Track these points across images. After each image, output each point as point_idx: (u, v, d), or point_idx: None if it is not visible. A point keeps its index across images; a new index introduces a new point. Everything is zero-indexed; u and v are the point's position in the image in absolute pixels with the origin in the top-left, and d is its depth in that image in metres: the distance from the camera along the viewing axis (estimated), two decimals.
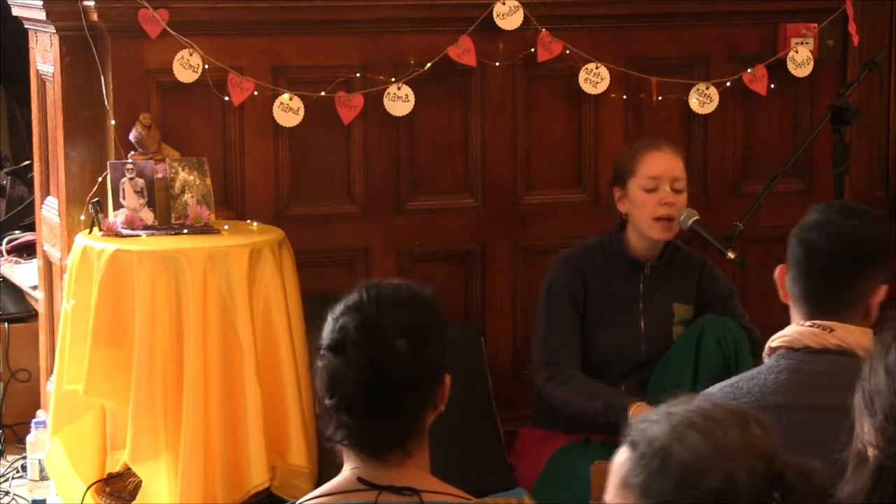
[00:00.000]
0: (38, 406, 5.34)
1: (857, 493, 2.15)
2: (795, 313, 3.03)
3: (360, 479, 2.35)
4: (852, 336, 2.97)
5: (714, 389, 2.97)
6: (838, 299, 3.00)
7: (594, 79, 5.07)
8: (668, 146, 4.44)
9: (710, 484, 1.75)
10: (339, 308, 2.42)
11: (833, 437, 2.83)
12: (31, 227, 5.96)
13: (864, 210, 3.12)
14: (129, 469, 4.40)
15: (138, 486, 4.39)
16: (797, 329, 2.99)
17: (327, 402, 2.38)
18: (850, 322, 2.98)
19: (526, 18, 4.99)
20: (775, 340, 3.00)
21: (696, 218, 4.53)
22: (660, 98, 5.14)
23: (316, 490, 2.41)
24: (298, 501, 2.41)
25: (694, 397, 1.89)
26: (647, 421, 1.83)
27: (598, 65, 5.07)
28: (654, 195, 4.34)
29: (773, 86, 5.26)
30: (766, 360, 3.03)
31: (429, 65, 4.93)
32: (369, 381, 2.35)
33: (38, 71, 5.15)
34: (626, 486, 1.81)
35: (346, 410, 2.36)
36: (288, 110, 4.83)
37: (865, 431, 2.17)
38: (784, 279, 3.03)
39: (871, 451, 2.15)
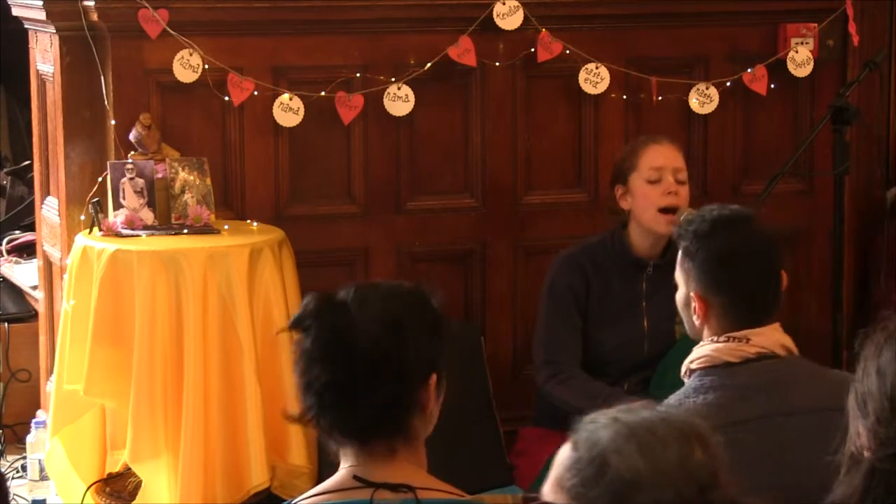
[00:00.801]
0: (38, 406, 5.34)
1: (851, 495, 2.15)
2: (708, 331, 3.01)
3: (355, 477, 2.36)
4: (768, 339, 2.97)
5: None
6: (768, 303, 3.02)
7: (594, 79, 5.08)
8: (667, 140, 4.45)
9: (639, 500, 1.73)
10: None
11: (769, 445, 2.83)
12: (31, 227, 5.96)
13: (738, 211, 3.11)
14: (129, 469, 4.40)
15: (138, 486, 4.39)
16: (712, 347, 2.98)
17: (299, 382, 2.39)
18: (773, 322, 2.99)
19: (526, 18, 4.99)
20: (694, 362, 2.99)
21: None
22: (660, 98, 5.14)
23: (312, 489, 2.41)
24: (295, 500, 2.41)
25: (655, 405, 1.88)
26: (595, 423, 1.82)
27: (598, 65, 5.07)
28: (657, 186, 4.34)
29: (773, 86, 5.27)
30: (684, 379, 3.02)
31: (429, 65, 4.93)
32: (330, 357, 2.35)
33: (38, 71, 5.15)
34: (560, 486, 1.81)
35: (314, 391, 2.37)
36: (288, 110, 4.83)
37: (858, 434, 2.17)
38: (703, 309, 3.01)
39: (866, 454, 2.15)
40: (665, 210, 4.35)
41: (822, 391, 2.93)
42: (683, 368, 3.04)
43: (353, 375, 2.35)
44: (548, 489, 1.83)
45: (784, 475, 2.84)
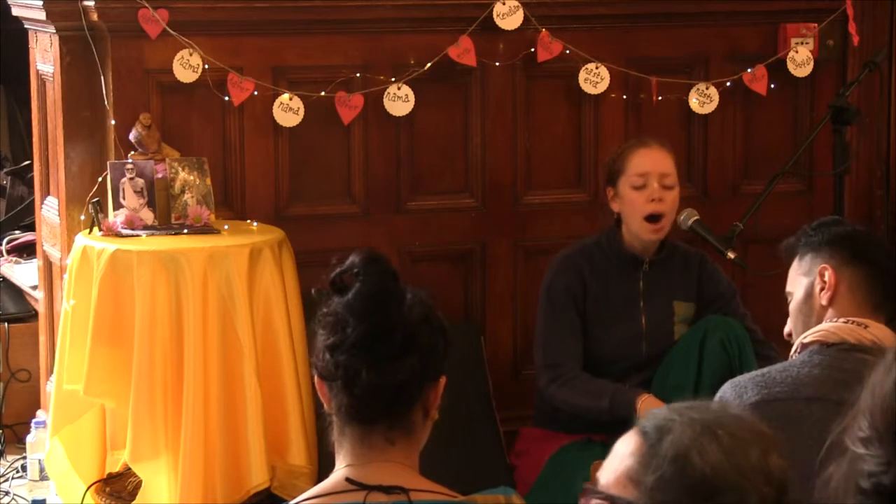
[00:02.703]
0: (38, 406, 5.34)
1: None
2: (833, 311, 3.05)
3: (348, 480, 2.36)
4: (886, 335, 3.01)
5: (745, 378, 2.98)
6: (891, 300, 3.07)
7: (594, 79, 5.08)
8: (656, 143, 4.44)
9: (722, 500, 1.73)
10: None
11: None
12: (31, 227, 5.96)
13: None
14: (129, 469, 4.40)
15: (138, 486, 4.39)
16: (833, 325, 3.01)
17: (328, 341, 2.35)
18: (883, 321, 3.03)
19: (526, 18, 4.99)
20: (808, 336, 3.02)
21: (696, 218, 4.53)
22: (660, 98, 5.14)
23: (306, 492, 2.41)
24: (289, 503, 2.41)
25: (716, 402, 1.86)
26: (666, 419, 1.80)
27: (598, 65, 5.07)
28: (642, 192, 4.34)
29: (773, 86, 5.26)
30: (795, 356, 3.04)
31: (429, 65, 4.93)
32: (372, 310, 2.34)
33: (38, 71, 5.15)
34: (631, 480, 1.79)
35: (342, 349, 2.35)
36: (288, 110, 4.83)
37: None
38: (834, 279, 3.05)
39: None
40: (649, 218, 4.34)
41: None
42: (794, 347, 3.05)
43: (390, 334, 2.33)
44: (612, 481, 1.81)
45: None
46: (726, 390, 2.96)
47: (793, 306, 3.14)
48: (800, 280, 3.12)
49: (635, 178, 4.34)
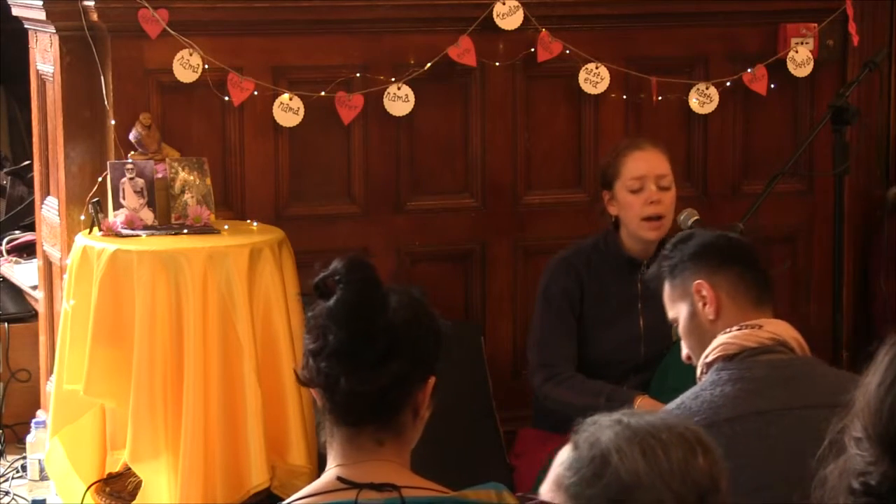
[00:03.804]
0: (38, 406, 5.35)
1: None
2: (722, 322, 3.02)
3: (339, 479, 2.36)
4: (781, 328, 2.99)
5: (661, 413, 2.96)
6: (766, 279, 3.07)
7: (594, 79, 5.08)
8: (651, 144, 4.43)
9: (638, 500, 1.73)
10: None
11: (782, 438, 2.84)
12: (31, 227, 5.96)
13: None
14: (129, 469, 4.40)
15: (138, 486, 4.39)
16: (728, 335, 2.98)
17: (310, 346, 2.36)
18: (770, 314, 3.02)
19: (526, 18, 4.99)
20: (709, 355, 2.99)
21: (696, 218, 4.53)
22: (660, 98, 5.14)
23: (298, 492, 2.41)
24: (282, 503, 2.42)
25: (661, 412, 1.87)
26: (597, 424, 1.81)
27: (598, 65, 5.07)
28: (639, 195, 4.33)
29: (773, 86, 5.27)
30: (701, 378, 3.01)
31: (429, 65, 4.93)
32: (354, 317, 2.33)
33: (38, 71, 5.15)
34: (559, 485, 1.80)
35: (324, 355, 2.35)
36: (288, 110, 4.83)
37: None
38: (712, 292, 3.03)
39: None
40: (648, 219, 4.34)
41: (844, 387, 2.94)
42: (699, 369, 3.03)
43: (371, 341, 2.33)
44: (546, 488, 1.83)
45: (805, 467, 2.85)
46: None
47: (681, 331, 3.10)
48: (678, 305, 3.09)
49: (632, 181, 4.34)
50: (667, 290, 3.12)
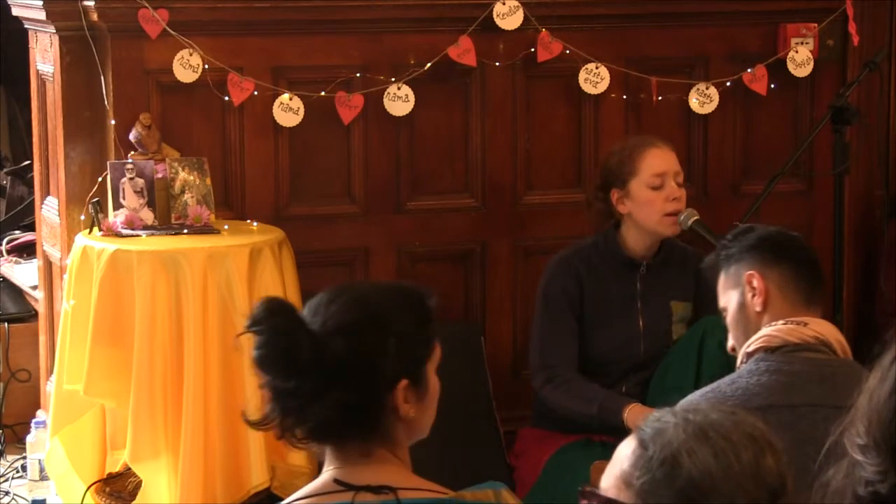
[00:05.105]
0: (38, 406, 5.34)
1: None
2: (768, 316, 3.05)
3: (336, 481, 2.36)
4: (826, 329, 3.02)
5: (696, 396, 2.98)
6: (820, 278, 3.12)
7: (594, 79, 5.08)
8: (663, 142, 4.45)
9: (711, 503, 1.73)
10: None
11: (811, 434, 2.85)
12: (31, 227, 5.96)
13: None
14: (129, 469, 4.40)
15: (138, 486, 4.39)
16: (773, 328, 3.02)
17: (260, 386, 2.39)
18: (819, 314, 3.06)
19: (526, 18, 4.99)
20: (751, 345, 3.02)
21: (696, 218, 4.53)
22: (660, 98, 5.14)
23: (295, 493, 2.41)
24: None
25: (717, 404, 1.86)
26: (663, 421, 1.80)
27: (598, 65, 5.07)
28: (661, 192, 4.34)
29: (773, 86, 5.26)
30: (741, 367, 3.04)
31: (429, 65, 4.93)
32: (275, 362, 2.35)
33: (38, 71, 5.15)
34: (626, 482, 1.79)
35: (270, 396, 2.37)
36: (288, 110, 4.83)
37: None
38: (762, 284, 3.05)
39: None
40: (669, 214, 4.36)
41: None
42: (739, 358, 3.06)
43: (300, 381, 2.33)
44: (609, 485, 1.81)
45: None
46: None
47: (729, 320, 3.14)
48: (730, 293, 3.13)
49: (652, 178, 4.34)
50: (721, 278, 3.17)
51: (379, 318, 2.38)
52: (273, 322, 2.37)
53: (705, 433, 1.77)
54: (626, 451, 1.81)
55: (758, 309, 3.07)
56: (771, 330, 3.01)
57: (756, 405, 2.87)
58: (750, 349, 3.02)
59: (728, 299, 3.14)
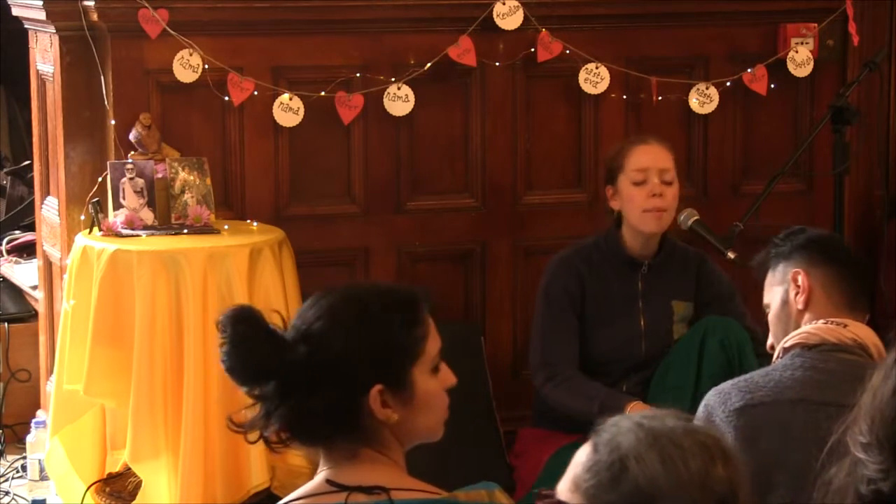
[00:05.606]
0: (38, 406, 5.34)
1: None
2: (809, 315, 3.06)
3: (329, 482, 2.36)
4: (865, 332, 3.04)
5: (727, 385, 2.99)
6: (865, 283, 3.16)
7: (594, 79, 5.08)
8: (655, 140, 4.45)
9: None
10: None
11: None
12: (31, 227, 5.96)
13: None
14: (129, 469, 4.40)
15: (138, 486, 4.39)
16: (812, 326, 3.04)
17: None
18: (861, 319, 3.06)
19: (526, 18, 4.99)
20: (789, 340, 3.04)
21: (696, 218, 4.53)
22: (660, 98, 5.14)
23: (289, 495, 2.41)
24: None
25: (679, 412, 1.85)
26: (618, 427, 1.80)
27: (598, 65, 5.07)
28: (643, 188, 4.34)
29: (773, 86, 5.26)
30: (777, 361, 3.05)
31: (429, 65, 4.93)
32: (237, 368, 2.37)
33: (38, 71, 5.15)
34: (576, 485, 1.79)
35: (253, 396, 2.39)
36: (288, 110, 4.83)
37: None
38: (807, 282, 3.07)
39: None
40: (649, 210, 4.35)
41: None
42: (777, 353, 3.07)
43: (263, 388, 2.36)
44: (563, 487, 1.82)
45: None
46: (710, 397, 2.97)
47: (771, 316, 3.16)
48: (774, 290, 3.15)
49: (635, 173, 4.35)
50: (768, 276, 3.18)
51: (347, 326, 2.37)
52: (234, 330, 2.36)
53: (656, 439, 1.76)
54: (581, 455, 1.81)
55: (800, 307, 3.08)
56: (810, 328, 3.02)
57: (787, 398, 2.89)
58: (787, 344, 3.03)
59: (772, 296, 3.15)
